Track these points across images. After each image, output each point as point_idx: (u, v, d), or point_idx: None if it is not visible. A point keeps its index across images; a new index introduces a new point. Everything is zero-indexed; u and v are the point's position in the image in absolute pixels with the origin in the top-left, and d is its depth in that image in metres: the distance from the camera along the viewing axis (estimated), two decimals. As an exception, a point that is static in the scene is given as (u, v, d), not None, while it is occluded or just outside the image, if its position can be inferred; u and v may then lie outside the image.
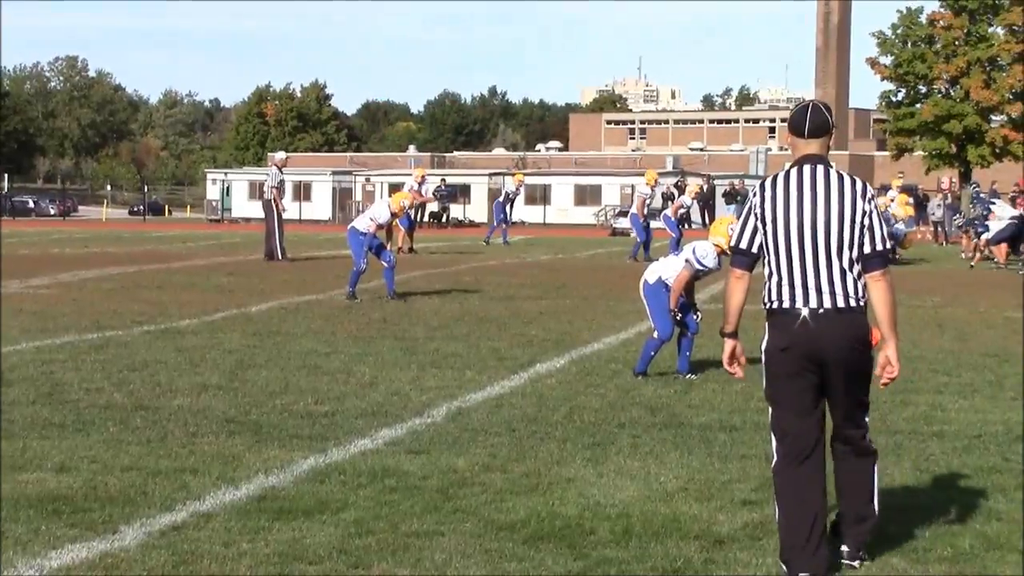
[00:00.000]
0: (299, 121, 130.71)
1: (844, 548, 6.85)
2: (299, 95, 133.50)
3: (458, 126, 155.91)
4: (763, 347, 6.82)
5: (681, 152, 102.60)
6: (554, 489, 8.29)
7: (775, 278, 6.69)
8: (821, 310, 6.57)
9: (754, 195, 6.79)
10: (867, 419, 6.87)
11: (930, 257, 38.28)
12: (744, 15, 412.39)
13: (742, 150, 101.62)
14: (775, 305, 6.71)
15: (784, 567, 6.57)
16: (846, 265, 6.57)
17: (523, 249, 38.93)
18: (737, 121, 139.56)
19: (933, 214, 52.75)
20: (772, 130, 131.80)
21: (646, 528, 7.39)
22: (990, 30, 63.63)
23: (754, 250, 6.76)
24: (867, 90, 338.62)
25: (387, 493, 8.12)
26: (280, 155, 33.53)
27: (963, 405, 11.55)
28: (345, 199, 77.81)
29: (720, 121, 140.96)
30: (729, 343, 7.04)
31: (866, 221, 6.58)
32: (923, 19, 64.12)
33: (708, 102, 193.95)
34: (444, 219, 65.37)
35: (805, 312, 6.60)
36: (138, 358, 13.82)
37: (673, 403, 11.49)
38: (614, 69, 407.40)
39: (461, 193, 72.47)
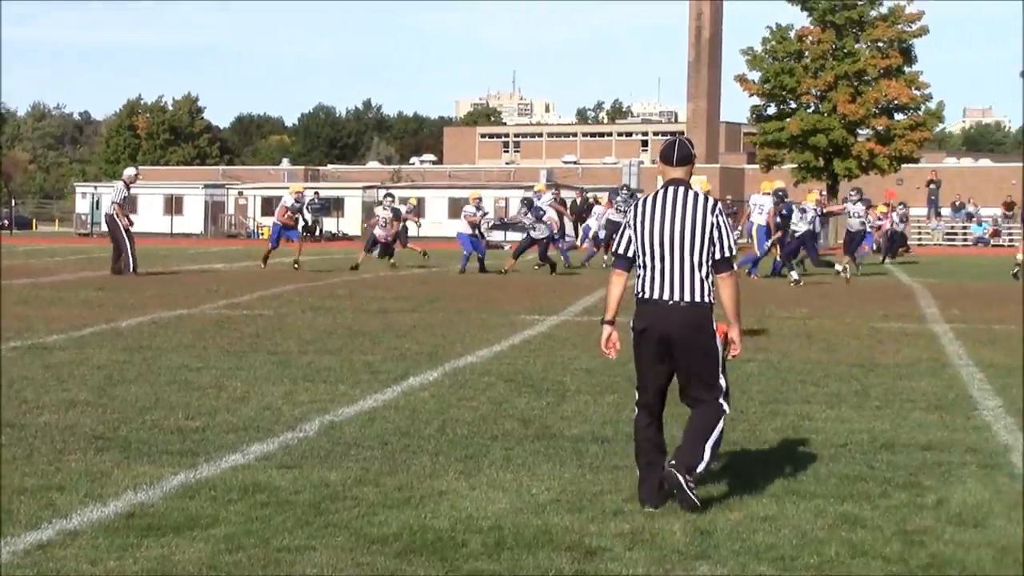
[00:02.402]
0: (171, 134, 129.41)
1: (672, 462, 8.20)
2: (171, 108, 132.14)
3: (332, 139, 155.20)
4: (631, 326, 8.46)
5: (555, 165, 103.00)
6: (426, 502, 8.29)
7: (643, 275, 8.33)
8: (671, 302, 8.23)
9: (631, 211, 8.42)
10: (721, 395, 8.39)
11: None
12: (617, 29, 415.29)
13: (615, 163, 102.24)
14: (641, 295, 8.35)
15: (639, 499, 8.21)
16: (696, 266, 8.20)
17: (397, 262, 38.85)
18: (610, 134, 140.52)
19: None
20: (645, 143, 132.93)
21: (518, 540, 7.41)
22: (856, 46, 64.69)
23: (630, 255, 8.36)
24: (738, 104, 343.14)
25: (258, 508, 8.06)
26: (129, 171, 33.23)
27: (830, 415, 11.71)
28: (217, 212, 77.20)
29: (593, 134, 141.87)
30: (607, 329, 8.62)
31: (713, 232, 8.22)
32: (792, 35, 65.03)
33: (582, 115, 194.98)
34: (317, 232, 65.05)
35: (662, 303, 8.25)
36: (4, 375, 13.58)
37: (546, 415, 11.53)
38: (488, 82, 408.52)
39: (334, 206, 72.19)
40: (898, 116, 64.87)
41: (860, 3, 63.88)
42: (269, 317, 20.22)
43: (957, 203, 66.39)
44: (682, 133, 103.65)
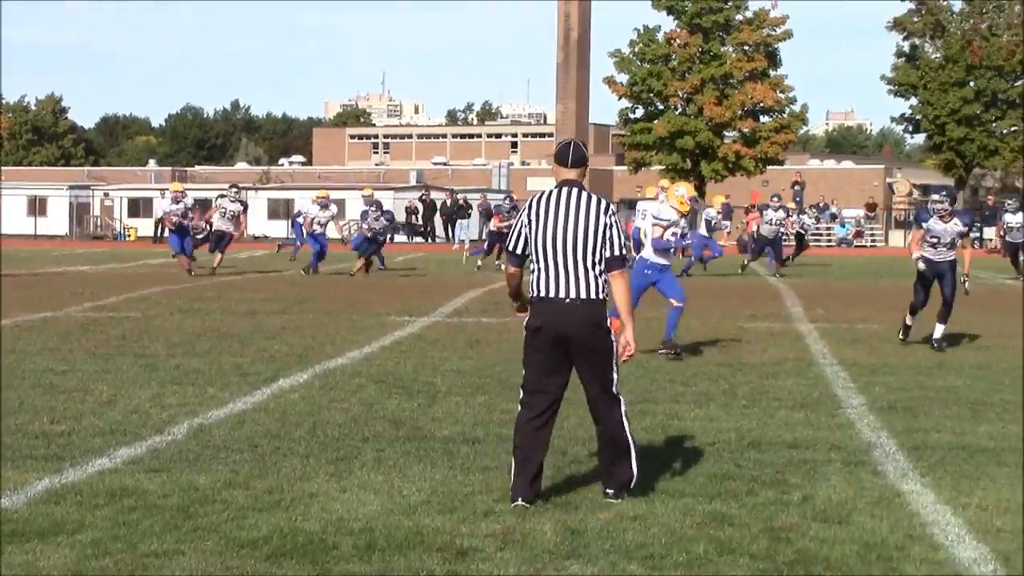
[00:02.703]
0: (34, 134, 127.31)
1: (608, 491, 8.46)
2: (34, 108, 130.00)
3: (200, 140, 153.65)
4: (524, 324, 8.49)
5: (425, 166, 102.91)
6: (297, 505, 8.25)
7: (538, 273, 8.42)
8: (568, 300, 8.32)
9: (524, 209, 8.53)
10: (615, 390, 8.55)
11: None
12: (486, 31, 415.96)
13: (485, 164, 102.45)
14: (536, 293, 8.42)
15: (511, 495, 8.29)
16: (590, 265, 8.34)
17: (266, 263, 38.62)
18: (480, 136, 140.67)
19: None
20: (514, 144, 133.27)
21: (389, 542, 7.40)
22: (723, 49, 65.42)
23: (524, 253, 8.51)
24: (607, 106, 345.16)
25: (125, 513, 7.96)
26: None
27: (698, 413, 11.84)
28: (83, 214, 76.06)
29: (463, 136, 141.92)
30: (516, 304, 8.83)
31: (607, 232, 8.37)
32: (659, 38, 65.57)
33: (451, 117, 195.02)
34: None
35: (558, 300, 8.34)
36: None
37: (417, 417, 11.52)
38: (357, 83, 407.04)
39: (203, 208, 71.40)
40: (763, 119, 65.74)
41: (726, 7, 64.59)
42: (136, 319, 19.98)
43: (821, 204, 67.32)
44: (551, 135, 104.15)
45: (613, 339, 8.48)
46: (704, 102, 63.91)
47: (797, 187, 62.27)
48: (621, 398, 8.62)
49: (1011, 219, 34.71)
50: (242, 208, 33.63)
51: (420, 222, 67.33)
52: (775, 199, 37.19)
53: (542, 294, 8.40)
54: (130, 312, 21.23)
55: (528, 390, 8.49)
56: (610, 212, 8.44)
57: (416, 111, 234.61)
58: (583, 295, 8.33)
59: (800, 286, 30.62)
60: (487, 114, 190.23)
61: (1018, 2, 67.01)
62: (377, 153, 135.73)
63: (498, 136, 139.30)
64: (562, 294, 8.34)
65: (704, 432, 10.91)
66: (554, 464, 9.50)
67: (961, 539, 7.61)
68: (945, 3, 68.70)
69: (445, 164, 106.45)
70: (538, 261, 8.43)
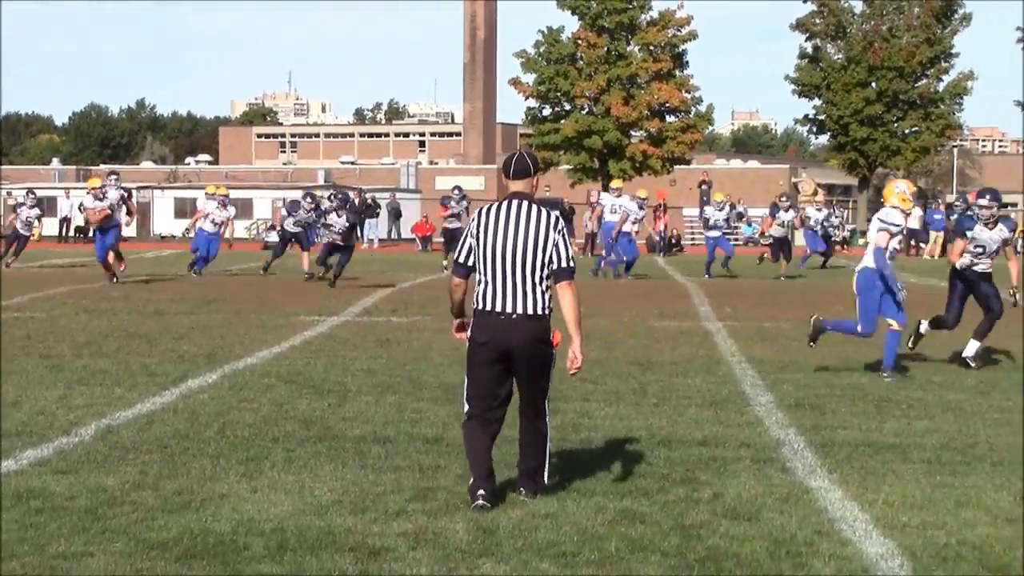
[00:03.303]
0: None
1: (522, 490, 8.55)
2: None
3: (104, 138, 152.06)
4: (468, 336, 8.45)
5: (333, 165, 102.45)
6: (207, 506, 8.19)
7: (482, 286, 8.38)
8: (515, 315, 8.30)
9: (472, 220, 8.46)
10: (546, 398, 8.64)
11: (580, 268, 39.23)
12: (393, 30, 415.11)
13: (393, 163, 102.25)
14: (481, 307, 8.37)
15: (470, 495, 8.26)
16: (536, 281, 8.32)
17: (173, 263, 38.33)
18: (388, 135, 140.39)
19: (585, 226, 54.11)
20: (422, 144, 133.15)
21: (301, 542, 7.37)
22: (629, 49, 65.70)
23: (470, 264, 8.45)
24: (515, 105, 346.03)
25: (32, 515, 7.87)
26: None
27: (609, 412, 11.89)
28: (8, 215, 74.90)
29: (371, 135, 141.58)
30: (456, 322, 8.72)
31: (554, 250, 8.34)
32: (565, 38, 65.73)
33: (359, 116, 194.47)
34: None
35: (502, 315, 8.31)
36: None
37: (327, 416, 11.48)
38: (264, 82, 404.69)
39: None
40: (670, 118, 66.10)
41: (630, 7, 64.87)
42: (41, 320, 19.75)
43: (727, 203, 67.76)
44: (459, 134, 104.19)
45: (553, 352, 8.50)
46: (611, 102, 64.15)
47: (704, 186, 62.64)
48: (548, 406, 8.70)
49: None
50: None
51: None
52: (784, 199, 36.57)
53: (487, 308, 8.36)
54: (35, 312, 20.99)
55: (473, 401, 8.49)
56: (558, 226, 8.38)
57: (323, 110, 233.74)
58: (529, 311, 8.31)
59: (708, 285, 30.84)
60: (394, 113, 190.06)
61: (917, 4, 67.85)
62: (284, 152, 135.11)
63: (406, 135, 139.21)
64: (508, 309, 8.30)
65: (614, 430, 10.96)
66: (465, 463, 9.50)
67: (868, 535, 7.71)
68: (846, 5, 69.43)
69: (353, 163, 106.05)
70: (484, 274, 8.37)
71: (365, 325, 19.66)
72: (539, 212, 8.37)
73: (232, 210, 33.23)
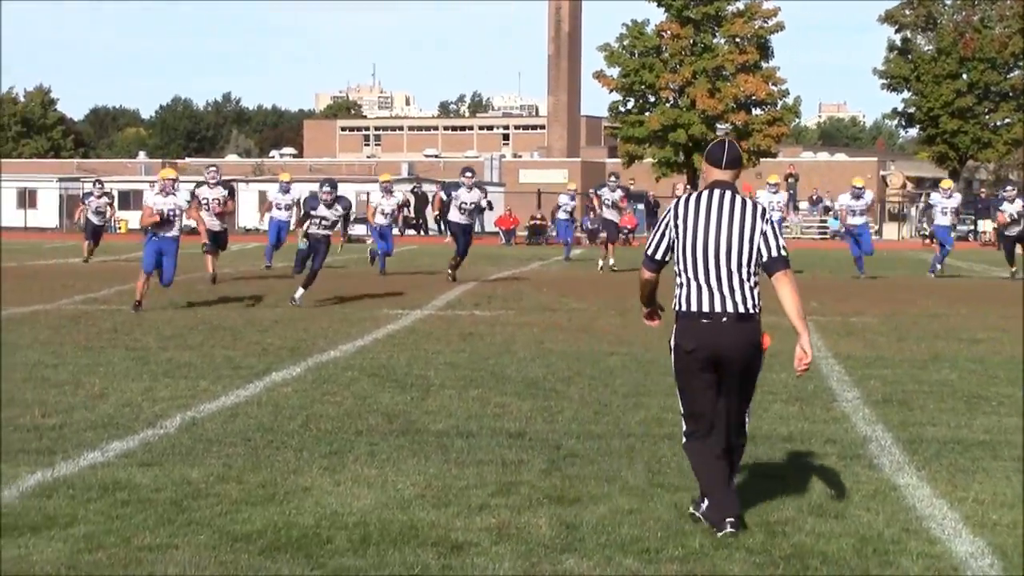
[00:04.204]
0: (23, 126, 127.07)
1: (730, 524, 7.53)
2: (23, 100, 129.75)
3: (190, 132, 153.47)
4: (671, 343, 7.79)
5: (416, 159, 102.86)
6: (290, 499, 8.20)
7: (685, 286, 7.66)
8: (724, 316, 7.56)
9: (669, 211, 7.77)
10: (749, 409, 7.87)
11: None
12: (477, 22, 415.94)
13: (476, 157, 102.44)
14: (685, 308, 7.66)
15: (711, 522, 7.55)
16: (745, 276, 7.58)
17: (257, 257, 38.54)
18: (471, 128, 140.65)
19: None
20: (506, 136, 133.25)
21: (383, 536, 7.36)
22: (714, 41, 65.39)
23: (664, 259, 7.82)
24: (598, 98, 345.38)
25: (118, 507, 7.92)
26: None
27: (693, 407, 11.77)
28: (73, 206, 75.85)
29: (455, 128, 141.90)
30: (646, 310, 8.19)
31: (761, 238, 7.60)
32: (649, 30, 65.52)
33: (443, 108, 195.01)
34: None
35: (710, 317, 7.57)
36: None
37: (410, 410, 11.48)
38: (348, 75, 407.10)
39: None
40: (756, 111, 65.74)
41: (717, -1, 64.60)
42: (127, 312, 19.91)
43: (815, 197, 67.35)
44: (543, 127, 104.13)
45: (763, 358, 7.78)
46: (696, 95, 63.90)
47: (791, 180, 62.31)
48: (749, 417, 7.93)
49: (1009, 208, 31.01)
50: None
51: (412, 215, 67.24)
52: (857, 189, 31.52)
53: (692, 308, 7.62)
54: (121, 305, 21.16)
55: (691, 419, 7.76)
56: (766, 217, 7.67)
57: (407, 103, 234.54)
58: (740, 309, 7.56)
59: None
60: (478, 106, 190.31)
61: (1009, -6, 67.08)
62: (368, 145, 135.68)
63: (490, 128, 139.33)
64: (718, 308, 7.55)
65: (699, 425, 10.85)
66: (548, 458, 9.48)
67: (958, 533, 7.59)
68: (937, -4, 68.75)
69: (436, 156, 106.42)
70: (685, 271, 7.64)
71: (448, 319, 19.67)
72: (744, 202, 7.69)
73: (293, 194, 31.52)
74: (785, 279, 7.63)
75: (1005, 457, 9.74)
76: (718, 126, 65.23)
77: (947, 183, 32.81)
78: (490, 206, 28.71)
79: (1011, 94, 67.57)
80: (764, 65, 65.53)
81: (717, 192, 7.71)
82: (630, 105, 66.52)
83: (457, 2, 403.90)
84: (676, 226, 7.69)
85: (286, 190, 31.92)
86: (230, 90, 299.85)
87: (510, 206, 64.47)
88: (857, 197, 30.91)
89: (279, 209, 31.74)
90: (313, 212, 21.52)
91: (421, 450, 9.75)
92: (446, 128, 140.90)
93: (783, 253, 7.63)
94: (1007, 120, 67.99)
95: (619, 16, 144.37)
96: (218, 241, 25.88)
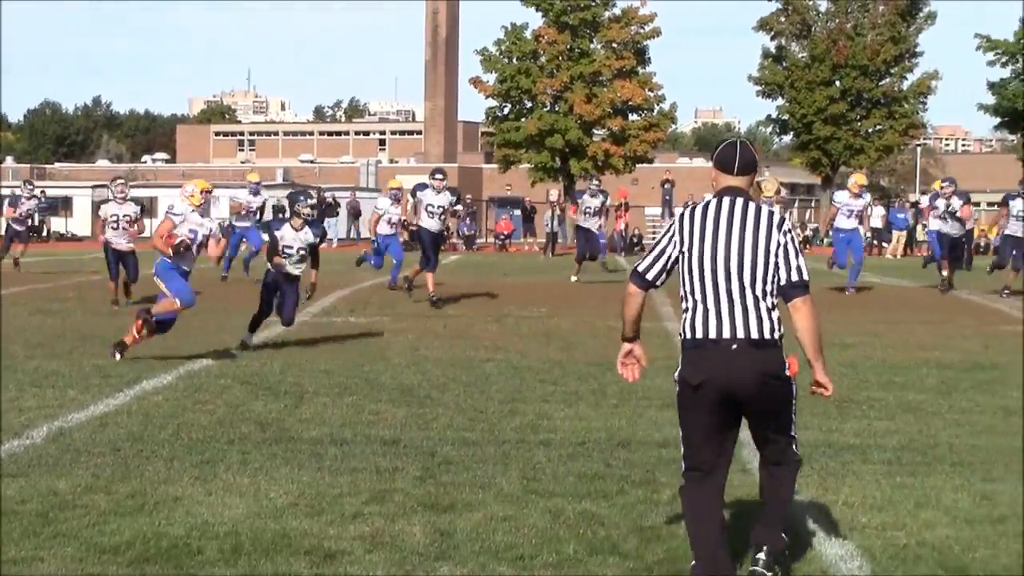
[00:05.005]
0: None
1: (759, 558, 6.77)
2: None
3: (59, 137, 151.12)
4: (675, 376, 6.74)
5: (291, 164, 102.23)
6: (160, 509, 8.09)
7: (691, 310, 6.66)
8: (735, 343, 6.52)
9: (674, 222, 6.81)
10: (793, 432, 6.82)
11: (541, 268, 39.27)
12: (354, 27, 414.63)
13: (352, 162, 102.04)
14: (690, 335, 6.63)
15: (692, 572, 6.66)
16: (760, 296, 6.56)
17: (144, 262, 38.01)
18: (347, 133, 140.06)
19: (547, 225, 54.19)
20: (382, 142, 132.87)
21: (255, 545, 7.28)
22: (591, 46, 65.68)
23: (654, 278, 6.87)
24: (476, 103, 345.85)
25: (-18, 520, 7.75)
26: None
27: (568, 413, 11.81)
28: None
29: (330, 133, 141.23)
30: (626, 346, 7.17)
31: (781, 252, 6.60)
32: (527, 35, 65.66)
33: (318, 113, 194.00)
34: (45, 232, 63.30)
35: (723, 344, 6.54)
36: None
37: (283, 418, 11.38)
38: (222, 80, 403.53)
39: (62, 206, 70.31)
40: (632, 117, 66.09)
41: (594, 4, 64.87)
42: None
43: (690, 203, 67.95)
44: (420, 132, 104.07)
45: (793, 384, 6.67)
46: (573, 100, 64.11)
47: (667, 185, 62.74)
48: (798, 453, 6.92)
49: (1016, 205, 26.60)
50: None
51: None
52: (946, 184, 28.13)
53: (699, 335, 6.58)
54: (-11, 312, 20.77)
55: (691, 459, 6.73)
56: (784, 228, 6.65)
57: (282, 108, 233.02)
58: (754, 334, 6.51)
59: (670, 284, 30.75)
60: (354, 111, 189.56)
61: (882, 2, 68.05)
62: (243, 150, 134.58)
63: (366, 133, 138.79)
64: (727, 334, 6.52)
65: (574, 432, 10.89)
66: (422, 465, 9.45)
67: (828, 536, 7.66)
68: (811, 3, 69.56)
69: (312, 162, 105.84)
70: (692, 293, 6.66)
71: (322, 326, 19.55)
72: (759, 210, 6.67)
73: (264, 196, 30.06)
74: (804, 308, 6.61)
75: (875, 460, 9.86)
76: (594, 131, 65.51)
77: (860, 178, 28.49)
78: (460, 211, 27.03)
79: (882, 101, 68.55)
80: (641, 71, 65.87)
81: (727, 200, 6.70)
82: (507, 110, 66.58)
83: (334, 3, 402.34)
84: (681, 241, 6.71)
85: (256, 192, 29.56)
86: (100, 94, 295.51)
87: (387, 212, 64.16)
88: (857, 196, 27.28)
89: (247, 214, 29.24)
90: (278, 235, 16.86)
91: (294, 458, 9.67)
92: (322, 133, 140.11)
93: (803, 277, 6.63)
94: (879, 127, 68.93)
95: (497, 20, 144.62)
96: (127, 265, 23.21)
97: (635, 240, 57.46)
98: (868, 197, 29.34)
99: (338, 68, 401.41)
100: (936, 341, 17.86)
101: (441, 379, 13.75)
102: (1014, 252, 26.20)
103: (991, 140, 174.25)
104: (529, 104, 66.03)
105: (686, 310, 6.67)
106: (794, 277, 6.60)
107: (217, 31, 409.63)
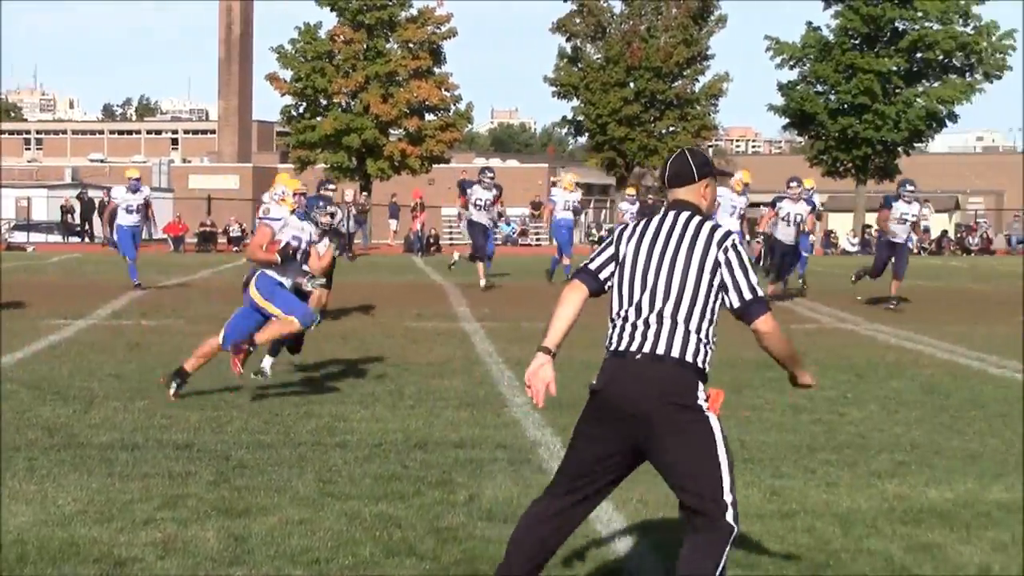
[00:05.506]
0: None
1: None
2: None
3: None
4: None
5: (81, 163, 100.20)
6: (-58, 519, 7.83)
7: (614, 326, 6.04)
8: (639, 355, 5.87)
9: (615, 231, 6.23)
10: (725, 490, 5.81)
11: (343, 270, 39.00)
12: (146, 24, 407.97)
13: (144, 162, 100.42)
14: (607, 347, 6.04)
15: None
16: (681, 319, 5.88)
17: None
18: (139, 132, 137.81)
19: (343, 226, 53.88)
20: (175, 141, 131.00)
21: (42, 554, 7.10)
22: (387, 46, 65.59)
23: (599, 273, 6.13)
24: (271, 102, 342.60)
25: None
26: None
27: (365, 415, 11.75)
28: None
29: (121, 132, 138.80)
30: (540, 357, 6.20)
31: (723, 272, 5.92)
32: (322, 35, 65.30)
33: (108, 112, 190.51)
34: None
35: (624, 356, 5.92)
36: None
37: (72, 423, 11.11)
38: (7, 78, 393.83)
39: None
40: (429, 117, 66.16)
41: (391, 4, 64.78)
42: None
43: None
44: (214, 132, 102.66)
45: (712, 420, 5.83)
46: (369, 100, 63.94)
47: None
48: (731, 522, 5.83)
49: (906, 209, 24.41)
50: None
51: (77, 221, 65.48)
52: (794, 184, 25.97)
53: (610, 347, 6.00)
54: None
55: (558, 473, 6.17)
56: (726, 244, 5.95)
57: (71, 106, 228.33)
58: (659, 350, 5.84)
59: (466, 285, 30.87)
60: (146, 110, 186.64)
61: (675, 5, 69.11)
62: (29, 149, 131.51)
63: (158, 132, 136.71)
64: (634, 347, 5.88)
65: (370, 433, 10.84)
66: (216, 469, 9.32)
67: (623, 534, 7.73)
68: (605, 5, 70.35)
69: (102, 161, 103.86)
70: (616, 310, 6.05)
71: (114, 329, 19.17)
72: (700, 226, 5.99)
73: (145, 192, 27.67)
74: (764, 328, 5.94)
75: (669, 457, 9.96)
76: (391, 131, 65.41)
77: (745, 175, 26.76)
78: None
79: (675, 103, 69.64)
80: (437, 71, 66.01)
81: (670, 215, 6.09)
82: (303, 109, 66.12)
83: (124, 3, 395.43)
84: (617, 252, 6.12)
85: (135, 189, 27.26)
86: None
87: (179, 212, 63.43)
88: (740, 194, 25.72)
89: (129, 213, 26.93)
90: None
91: (83, 464, 9.45)
92: (112, 132, 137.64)
93: (757, 294, 5.92)
94: (672, 128, 69.99)
95: (293, 19, 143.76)
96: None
97: (432, 240, 57.51)
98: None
99: (128, 67, 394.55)
100: (726, 339, 18.15)
101: (236, 381, 13.57)
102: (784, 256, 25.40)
103: (780, 141, 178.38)
104: (325, 103, 65.70)
105: (612, 326, 6.06)
106: (746, 296, 5.92)
107: (2, 27, 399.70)
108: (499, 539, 7.52)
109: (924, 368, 15.55)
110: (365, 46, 65.03)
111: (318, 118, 65.05)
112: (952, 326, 20.40)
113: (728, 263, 5.91)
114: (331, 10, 65.28)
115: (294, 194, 14.78)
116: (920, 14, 59.99)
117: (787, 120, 64.37)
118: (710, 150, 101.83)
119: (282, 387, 13.29)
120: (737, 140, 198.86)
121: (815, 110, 60.93)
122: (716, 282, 5.92)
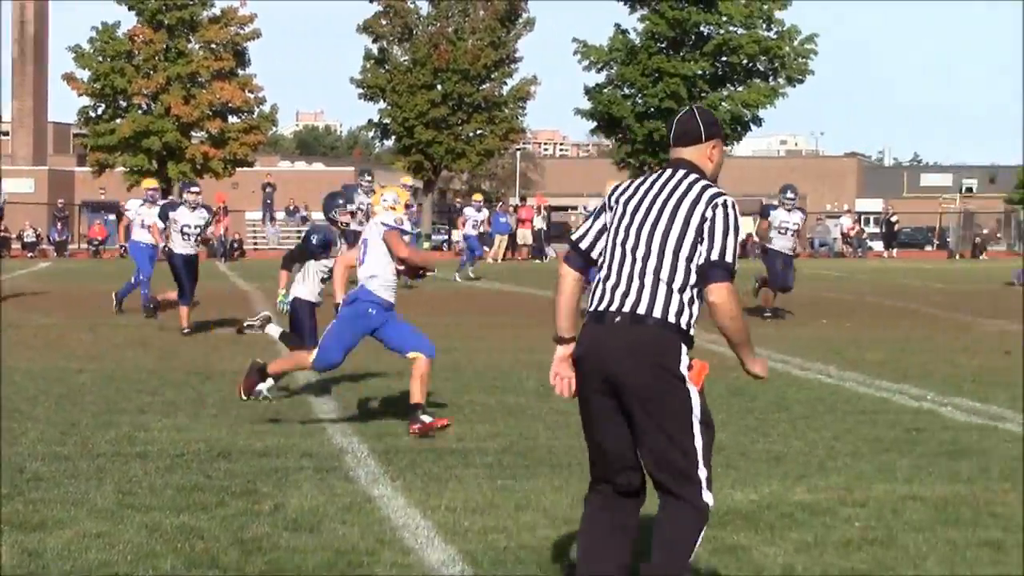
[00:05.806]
0: None
1: None
2: None
3: None
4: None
5: None
6: None
7: (599, 282, 5.82)
8: (618, 317, 5.66)
9: (610, 193, 6.01)
10: (699, 464, 5.66)
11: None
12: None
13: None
14: (588, 307, 5.83)
15: None
16: (664, 278, 5.66)
17: None
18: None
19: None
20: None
21: None
22: (189, 47, 64.65)
23: (587, 248, 5.93)
24: (67, 103, 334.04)
25: None
26: None
27: (166, 424, 11.50)
28: None
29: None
30: (560, 350, 6.00)
31: (706, 228, 5.66)
32: (121, 34, 64.08)
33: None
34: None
35: (603, 317, 5.71)
36: None
37: None
38: None
39: None
40: (232, 119, 65.38)
41: (192, 4, 63.86)
42: None
43: (291, 207, 67.57)
44: (7, 134, 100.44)
45: (686, 387, 5.68)
46: (170, 101, 62.94)
47: (268, 189, 62.32)
48: (704, 499, 5.71)
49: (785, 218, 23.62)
50: None
51: None
52: (790, 194, 24.03)
53: (591, 307, 5.80)
54: None
55: (592, 462, 5.91)
56: (716, 203, 5.69)
57: None
58: (639, 309, 5.64)
59: (274, 290, 30.50)
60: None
61: (482, 7, 69.27)
62: None
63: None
64: (613, 307, 5.68)
65: (172, 443, 10.59)
66: (10, 482, 9.02)
67: (430, 541, 7.65)
68: (412, 6, 70.22)
69: None
70: (602, 266, 5.85)
71: None
72: (693, 183, 5.76)
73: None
74: (718, 292, 5.64)
75: (476, 464, 9.92)
76: (193, 133, 64.50)
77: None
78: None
79: (483, 105, 69.81)
80: (240, 72, 65.26)
81: (666, 172, 5.88)
82: (101, 111, 64.82)
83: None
84: (611, 208, 5.92)
85: (153, 200, 23.86)
86: None
87: (-29, 216, 61.65)
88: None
89: (143, 229, 23.67)
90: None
91: None
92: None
93: (725, 259, 5.64)
94: (479, 131, 70.19)
95: (91, 19, 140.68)
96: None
97: (235, 245, 56.73)
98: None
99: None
100: (539, 344, 18.20)
101: (32, 391, 13.20)
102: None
103: (588, 145, 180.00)
104: (124, 105, 64.50)
105: (596, 282, 5.85)
106: (713, 256, 5.63)
107: None
108: (304, 549, 7.41)
109: (731, 371, 15.72)
110: (166, 46, 64.01)
111: (117, 120, 63.82)
112: (758, 328, 20.71)
113: (712, 220, 5.68)
114: (129, 9, 64.09)
115: (405, 204, 12.42)
116: (724, 18, 60.84)
117: (595, 123, 64.93)
118: (518, 153, 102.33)
119: (80, 397, 12.95)
120: (545, 143, 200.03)
121: (622, 113, 61.54)
122: (698, 238, 5.69)
